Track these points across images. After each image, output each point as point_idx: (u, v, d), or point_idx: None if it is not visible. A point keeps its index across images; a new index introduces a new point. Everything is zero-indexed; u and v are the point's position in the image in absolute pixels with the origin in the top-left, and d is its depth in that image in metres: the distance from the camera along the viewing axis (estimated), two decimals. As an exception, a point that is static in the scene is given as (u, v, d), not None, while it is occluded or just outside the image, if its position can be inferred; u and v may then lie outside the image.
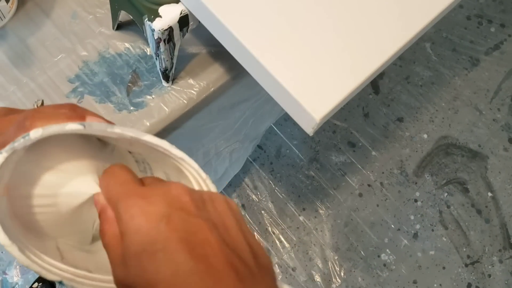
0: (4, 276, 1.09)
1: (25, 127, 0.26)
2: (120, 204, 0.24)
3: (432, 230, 1.27)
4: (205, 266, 0.22)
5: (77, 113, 0.28)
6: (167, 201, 0.24)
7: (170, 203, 0.24)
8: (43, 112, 0.28)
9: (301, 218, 1.26)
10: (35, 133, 0.25)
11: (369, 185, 1.30)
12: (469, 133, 1.39)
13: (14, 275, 1.09)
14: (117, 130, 0.27)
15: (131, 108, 0.51)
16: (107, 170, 0.27)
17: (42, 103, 0.31)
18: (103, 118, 0.29)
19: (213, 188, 0.29)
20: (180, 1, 0.44)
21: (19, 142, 0.25)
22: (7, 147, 0.25)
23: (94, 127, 0.26)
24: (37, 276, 0.77)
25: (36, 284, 0.73)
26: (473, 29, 1.52)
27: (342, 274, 1.21)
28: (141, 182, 0.27)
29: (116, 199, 0.25)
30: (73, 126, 0.26)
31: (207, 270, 0.22)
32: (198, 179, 0.30)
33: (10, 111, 0.31)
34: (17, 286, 1.08)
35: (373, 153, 1.34)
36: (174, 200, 0.24)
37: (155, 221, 0.23)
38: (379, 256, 1.23)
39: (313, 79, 0.40)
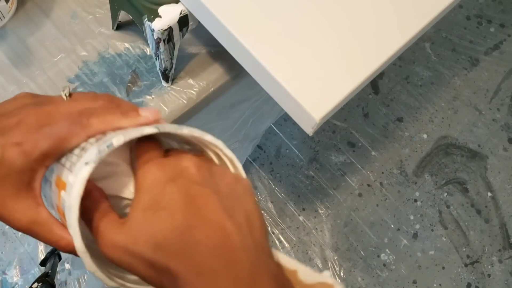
0: (4, 276, 1.09)
1: (83, 124, 0.28)
2: (139, 167, 0.27)
3: (432, 230, 1.27)
4: (200, 223, 0.24)
5: (116, 103, 0.31)
6: (176, 169, 0.26)
7: (178, 171, 0.26)
8: (92, 108, 0.29)
9: (300, 218, 1.26)
10: (118, 141, 0.26)
11: (368, 185, 1.30)
12: (469, 133, 1.39)
13: (13, 275, 1.10)
14: (185, 130, 0.28)
15: (131, 108, 0.51)
16: (139, 143, 0.30)
17: (69, 91, 0.31)
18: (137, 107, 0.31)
19: (239, 166, 0.31)
20: (179, 1, 0.44)
21: (105, 151, 0.26)
22: (93, 157, 0.25)
23: (167, 128, 0.28)
24: (37, 276, 0.77)
25: (35, 284, 0.73)
26: (473, 29, 1.53)
27: (341, 274, 1.21)
28: (164, 154, 0.29)
29: (138, 164, 0.28)
30: (150, 130, 0.27)
31: (201, 227, 0.24)
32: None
33: (35, 98, 0.30)
34: (16, 286, 1.08)
35: (373, 153, 1.34)
36: (183, 170, 0.26)
37: (161, 183, 0.26)
38: (378, 256, 1.23)
39: (312, 79, 0.40)
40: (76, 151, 0.28)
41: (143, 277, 0.25)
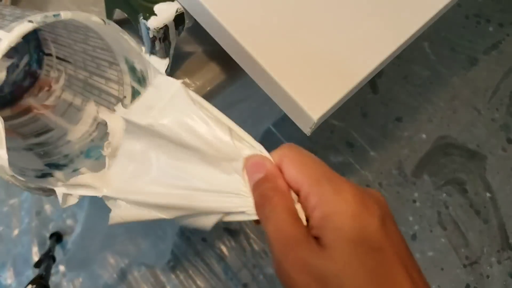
0: (-2, 277, 1.09)
1: None
2: (330, 185, 0.22)
3: (431, 231, 1.26)
4: (410, 284, 0.21)
5: None
6: (381, 206, 0.22)
7: (384, 209, 0.22)
8: None
9: (299, 218, 1.26)
10: (66, 15, 0.26)
11: (367, 186, 1.30)
12: (468, 133, 1.39)
13: (7, 277, 1.09)
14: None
15: (126, 108, 0.50)
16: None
17: None
18: None
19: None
20: (175, -1, 0.43)
21: (51, 18, 0.26)
22: (38, 19, 0.25)
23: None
24: (31, 278, 0.77)
25: (30, 286, 0.72)
26: (472, 28, 1.52)
27: (340, 275, 1.21)
28: None
29: (322, 180, 0.23)
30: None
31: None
32: None
33: None
34: (11, 288, 1.08)
35: (372, 153, 1.34)
36: (385, 208, 0.23)
37: (373, 220, 0.21)
38: (377, 257, 1.23)
39: (310, 78, 0.40)
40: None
41: None
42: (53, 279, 1.07)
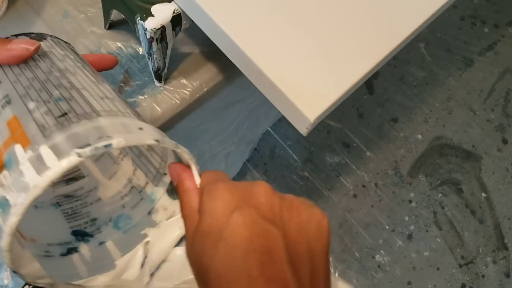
0: (-6, 278, 1.08)
1: None
2: (208, 185, 0.26)
3: (427, 231, 1.27)
4: (258, 272, 0.22)
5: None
6: (245, 196, 0.24)
7: (247, 199, 0.24)
8: None
9: (295, 219, 1.26)
10: (119, 143, 0.22)
11: (363, 186, 1.30)
12: (463, 133, 1.39)
13: (4, 278, 1.08)
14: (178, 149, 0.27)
15: (123, 108, 0.50)
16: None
17: None
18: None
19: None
20: (173, 0, 0.43)
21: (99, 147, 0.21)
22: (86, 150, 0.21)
23: (167, 143, 0.26)
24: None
25: (26, 287, 0.72)
26: (467, 29, 1.53)
27: (336, 275, 1.21)
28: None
29: (207, 182, 0.27)
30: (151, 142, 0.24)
31: (259, 276, 0.21)
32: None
33: None
34: (7, 288, 1.07)
35: (368, 153, 1.34)
36: (252, 197, 0.24)
37: (227, 210, 0.23)
38: (373, 257, 1.23)
39: (307, 79, 0.40)
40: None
41: None
42: (49, 280, 1.06)
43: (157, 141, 0.24)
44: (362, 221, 1.26)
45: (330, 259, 1.21)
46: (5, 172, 0.22)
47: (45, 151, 0.21)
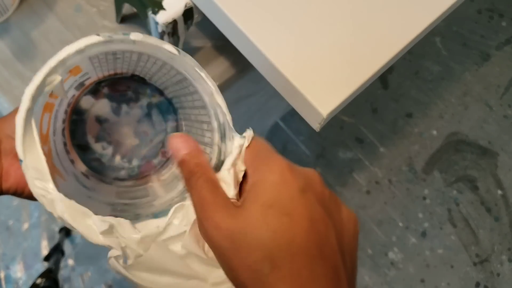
0: (7, 271, 1.10)
1: None
2: (267, 155, 0.26)
3: (441, 229, 1.25)
4: (317, 252, 0.23)
5: None
6: (306, 179, 0.25)
7: (307, 182, 0.25)
8: None
9: (307, 214, 1.25)
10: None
11: (377, 182, 1.29)
12: (479, 129, 1.37)
13: (17, 270, 1.10)
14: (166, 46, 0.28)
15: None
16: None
17: None
18: None
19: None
20: (184, -7, 0.43)
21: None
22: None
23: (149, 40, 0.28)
24: (40, 272, 0.78)
25: (39, 280, 0.73)
26: (484, 23, 1.50)
27: (348, 271, 1.20)
28: None
29: (261, 150, 0.27)
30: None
31: (320, 260, 0.23)
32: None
33: None
34: (20, 281, 1.09)
35: (381, 149, 1.33)
36: (312, 182, 0.25)
37: (291, 188, 0.24)
38: (386, 255, 1.22)
39: (320, 73, 0.39)
40: None
41: (226, 270, 0.24)
42: (62, 273, 1.08)
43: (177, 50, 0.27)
44: (375, 218, 1.26)
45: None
46: None
47: None
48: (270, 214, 0.23)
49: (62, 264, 0.98)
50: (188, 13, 0.44)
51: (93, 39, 0.25)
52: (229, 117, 0.29)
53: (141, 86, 0.36)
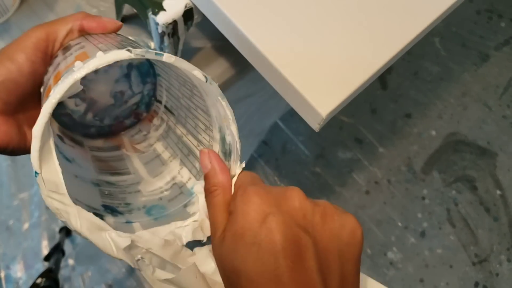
0: (8, 271, 1.10)
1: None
2: (245, 187, 0.26)
3: (440, 228, 1.26)
4: (289, 278, 0.22)
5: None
6: (278, 201, 0.25)
7: (280, 204, 0.24)
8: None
9: (307, 214, 1.25)
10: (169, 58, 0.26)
11: (376, 182, 1.29)
12: (478, 130, 1.37)
13: (17, 270, 1.10)
14: (170, 59, 0.28)
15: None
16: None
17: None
18: None
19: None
20: (184, -6, 0.43)
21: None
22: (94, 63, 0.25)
23: (148, 55, 0.27)
24: (41, 271, 0.78)
25: (40, 280, 0.73)
26: (483, 24, 1.50)
27: (348, 271, 1.20)
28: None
29: (244, 183, 0.27)
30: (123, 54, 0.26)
31: (289, 282, 0.22)
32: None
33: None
34: (20, 281, 1.09)
35: (381, 149, 1.33)
36: (285, 203, 0.25)
37: (261, 214, 0.24)
38: (385, 254, 1.22)
39: (319, 74, 0.39)
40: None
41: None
42: (62, 273, 1.08)
43: (205, 77, 0.27)
44: (374, 218, 1.26)
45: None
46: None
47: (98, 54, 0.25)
48: (241, 245, 0.23)
49: (62, 264, 0.98)
50: (188, 14, 0.44)
51: (123, 55, 0.25)
52: (239, 145, 0.30)
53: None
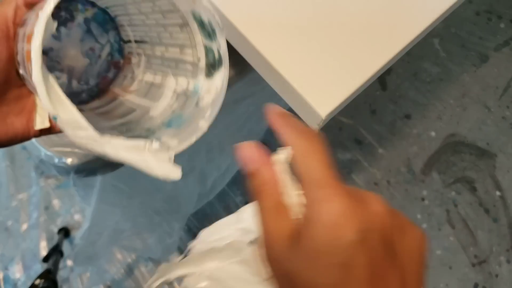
0: (6, 272, 1.10)
1: None
2: (320, 189, 0.22)
3: (439, 230, 1.26)
4: None
5: None
6: (368, 217, 0.21)
7: (371, 219, 0.21)
8: None
9: (306, 215, 1.25)
10: None
11: (375, 183, 1.29)
12: (478, 131, 1.37)
13: (16, 271, 1.10)
14: None
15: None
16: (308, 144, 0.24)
17: None
18: None
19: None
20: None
21: None
22: None
23: None
24: (39, 273, 0.78)
25: (38, 281, 0.73)
26: (482, 25, 1.51)
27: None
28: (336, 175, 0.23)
29: (317, 183, 0.22)
30: None
31: None
32: None
33: None
34: (19, 282, 1.09)
35: (380, 150, 1.33)
36: (375, 217, 0.21)
37: (351, 233, 0.20)
38: (384, 255, 1.22)
39: (319, 75, 0.39)
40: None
41: None
42: (61, 274, 1.07)
43: None
44: (374, 219, 1.26)
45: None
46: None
47: None
48: (326, 262, 0.20)
49: (61, 264, 0.98)
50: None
51: None
52: (216, 15, 0.30)
53: (70, 3, 0.36)
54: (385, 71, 0.43)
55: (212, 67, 0.34)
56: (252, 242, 0.28)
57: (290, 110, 0.42)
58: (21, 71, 0.30)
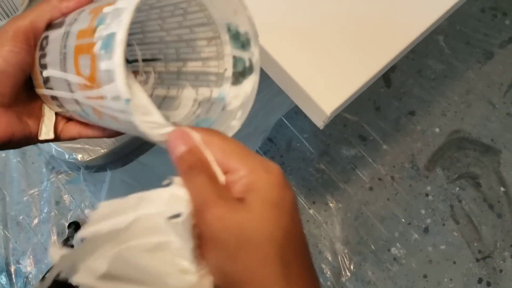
0: (18, 265, 1.11)
1: None
2: (255, 159, 0.26)
3: (443, 225, 1.26)
4: (306, 251, 0.26)
5: None
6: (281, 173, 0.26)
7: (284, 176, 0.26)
8: None
9: (311, 211, 1.26)
10: None
11: (379, 179, 1.30)
12: (482, 127, 1.37)
13: (27, 265, 1.12)
14: None
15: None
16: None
17: None
18: None
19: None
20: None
21: None
22: None
23: None
24: (50, 266, 0.79)
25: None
26: (487, 21, 1.50)
27: (351, 267, 1.21)
28: None
29: (249, 156, 0.27)
30: None
31: (306, 256, 0.26)
32: None
33: None
34: (30, 275, 1.10)
35: (384, 146, 1.34)
36: (282, 176, 0.26)
37: (290, 192, 0.26)
38: (389, 250, 1.23)
39: (324, 72, 0.40)
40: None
41: (226, 263, 0.24)
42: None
43: None
44: (378, 214, 1.26)
45: (346, 251, 1.22)
46: (100, 27, 0.26)
47: None
48: (278, 213, 0.24)
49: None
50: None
51: None
52: (255, 26, 0.30)
53: None
54: (390, 68, 0.44)
55: (241, 75, 0.33)
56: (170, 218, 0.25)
57: (296, 107, 0.43)
58: (44, 73, 0.30)
